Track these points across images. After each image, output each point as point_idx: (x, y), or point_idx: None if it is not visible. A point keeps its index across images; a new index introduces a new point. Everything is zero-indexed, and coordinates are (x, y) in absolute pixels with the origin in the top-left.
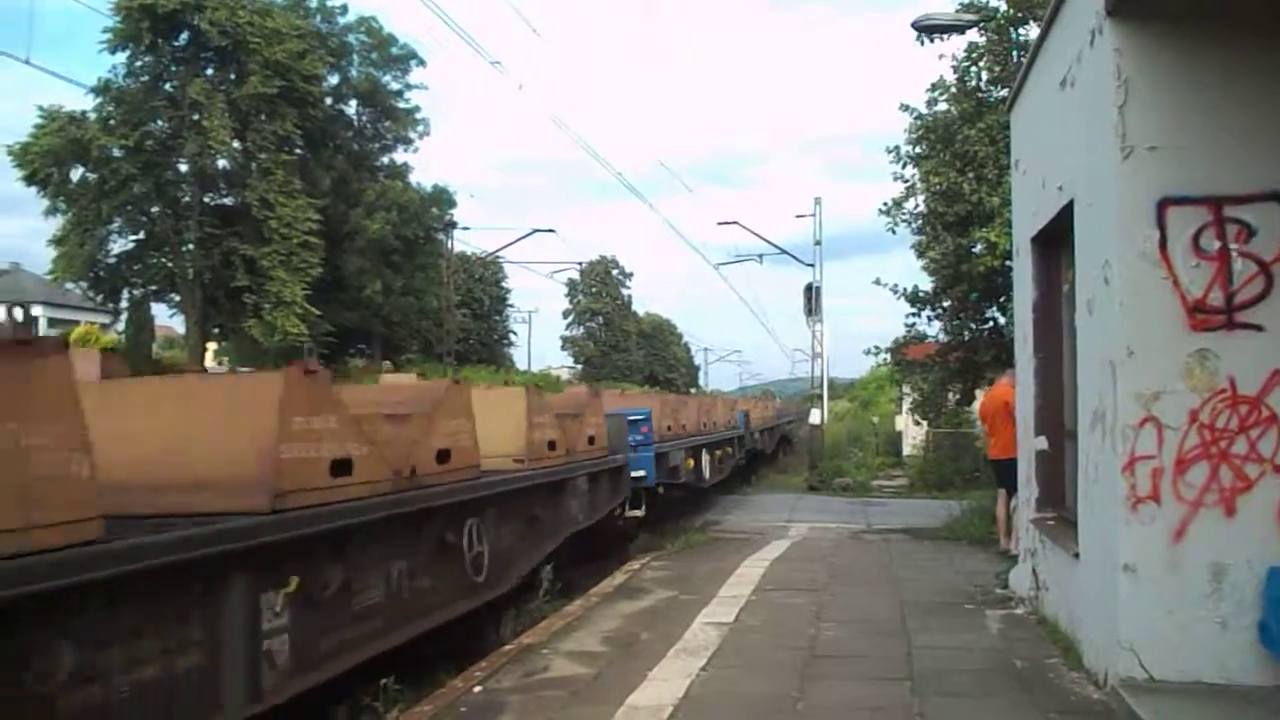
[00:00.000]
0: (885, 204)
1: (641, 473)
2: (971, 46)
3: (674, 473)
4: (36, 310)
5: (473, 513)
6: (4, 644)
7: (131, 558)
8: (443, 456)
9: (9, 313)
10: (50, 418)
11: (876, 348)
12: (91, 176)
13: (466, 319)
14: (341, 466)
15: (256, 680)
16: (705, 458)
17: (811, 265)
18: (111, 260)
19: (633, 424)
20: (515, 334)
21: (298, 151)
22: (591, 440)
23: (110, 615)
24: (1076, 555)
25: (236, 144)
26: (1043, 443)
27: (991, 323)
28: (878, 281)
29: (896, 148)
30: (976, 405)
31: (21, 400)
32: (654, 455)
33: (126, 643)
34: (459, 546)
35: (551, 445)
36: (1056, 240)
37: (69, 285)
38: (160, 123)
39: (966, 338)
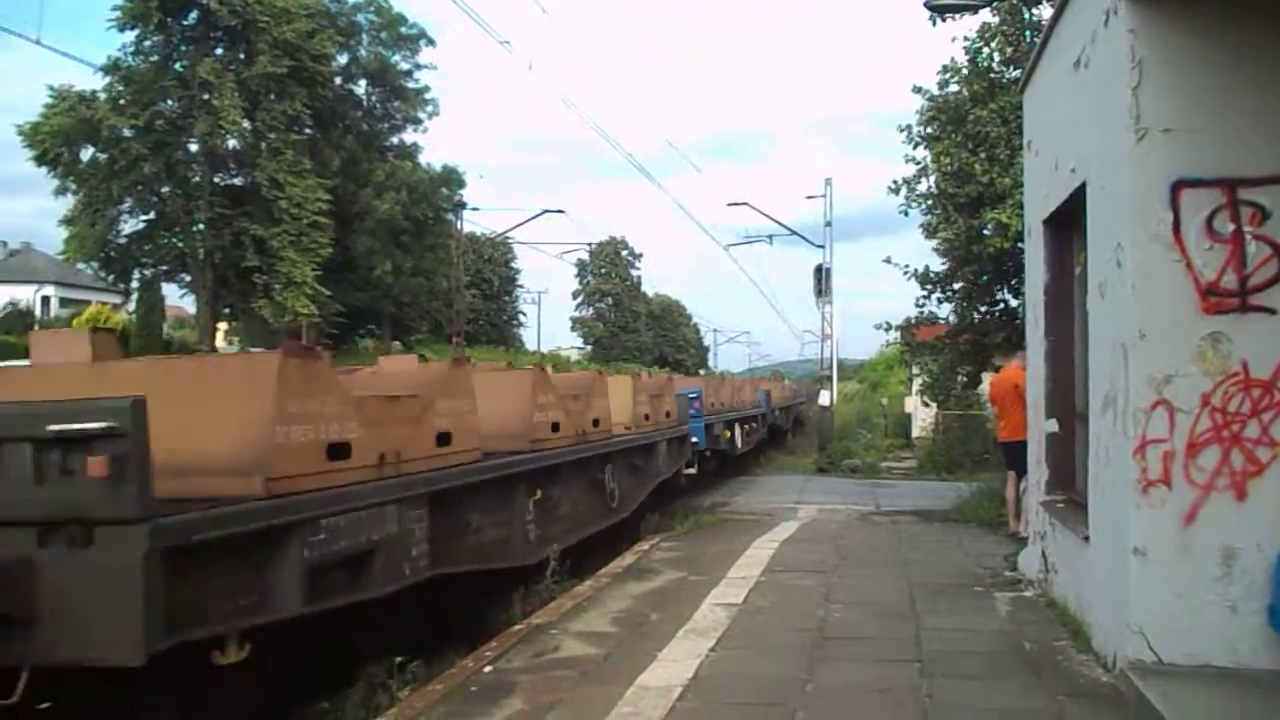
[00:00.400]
0: (895, 182)
1: (695, 440)
2: (984, 27)
3: (716, 440)
4: (48, 290)
5: (609, 461)
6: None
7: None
8: (596, 423)
9: None
10: None
11: (888, 324)
12: (102, 156)
13: (476, 299)
14: (555, 427)
15: (526, 542)
16: (738, 430)
17: (821, 246)
18: (122, 240)
19: (689, 400)
20: (525, 314)
21: (307, 131)
22: (668, 414)
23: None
24: (1086, 538)
25: (246, 124)
26: (1053, 425)
27: (1002, 305)
28: (888, 260)
29: (908, 127)
30: (984, 388)
31: None
32: (704, 425)
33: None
34: (603, 482)
35: (647, 417)
36: (1069, 222)
37: (80, 265)
38: (170, 102)
39: (976, 320)
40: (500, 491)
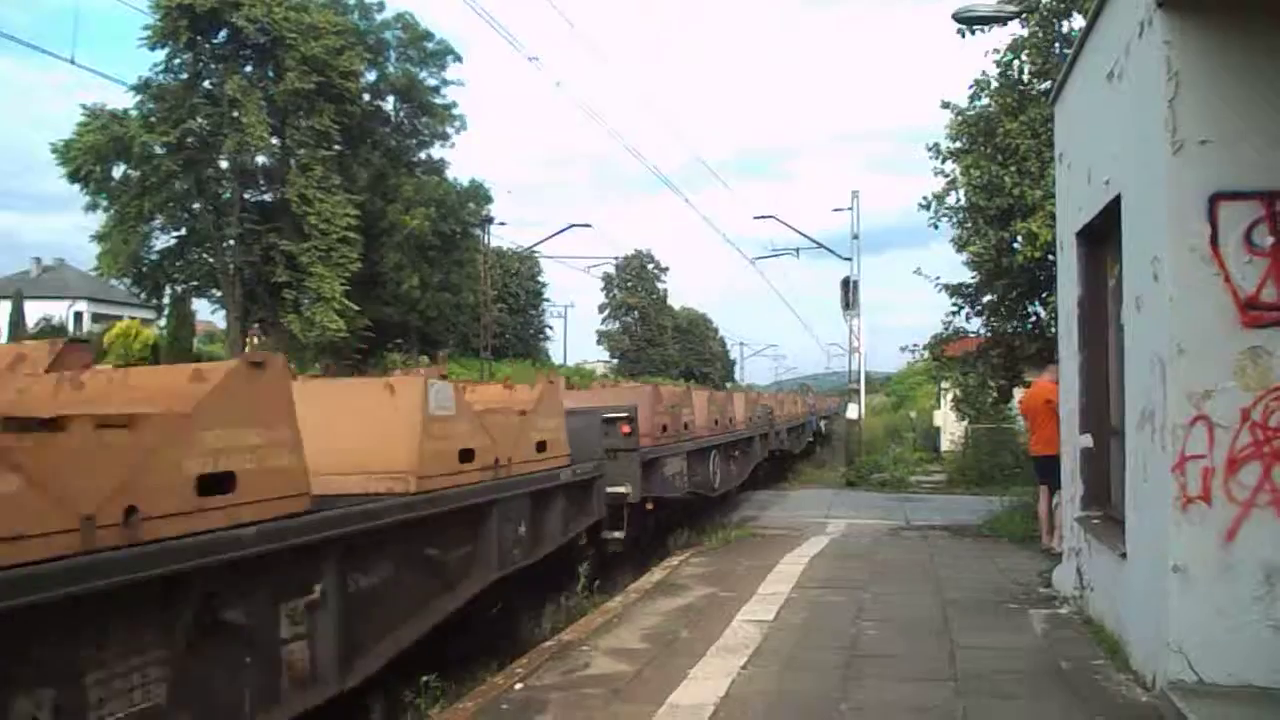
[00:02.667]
0: (925, 198)
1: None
2: (1015, 39)
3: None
4: (81, 305)
5: (713, 449)
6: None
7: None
8: (689, 424)
9: None
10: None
11: (915, 345)
12: (133, 173)
13: (503, 313)
14: (685, 427)
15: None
16: (716, 463)
17: (849, 259)
18: (154, 256)
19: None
20: (551, 328)
21: (336, 147)
22: (732, 421)
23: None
24: (1124, 555)
25: (275, 140)
26: (1088, 440)
27: (1034, 318)
28: (918, 272)
29: (936, 145)
30: (1015, 403)
31: None
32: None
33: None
34: (708, 464)
35: (731, 420)
36: (1102, 235)
37: (113, 281)
38: (200, 120)
39: (1008, 333)
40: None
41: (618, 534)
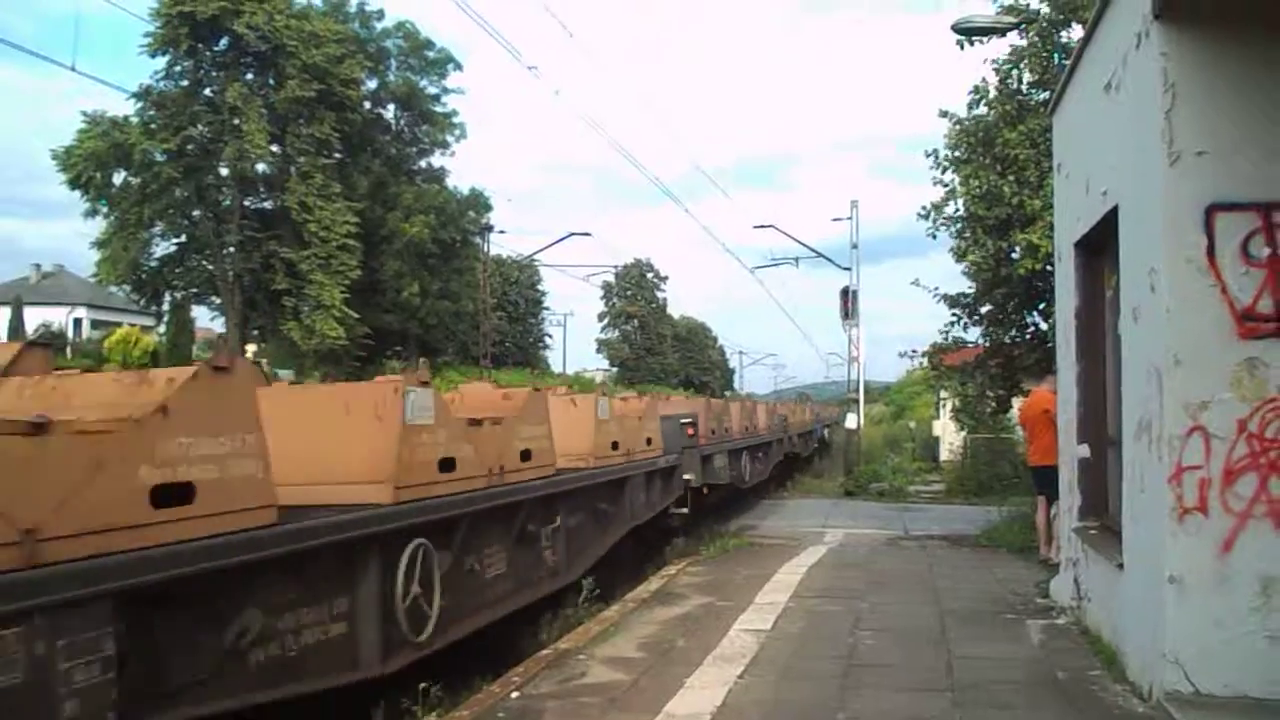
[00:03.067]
0: (924, 208)
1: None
2: (1014, 50)
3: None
4: (80, 312)
5: (744, 449)
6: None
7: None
8: (729, 428)
9: None
10: None
11: (913, 351)
12: (134, 180)
13: (502, 322)
14: (726, 430)
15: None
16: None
17: (848, 269)
18: (154, 263)
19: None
20: (551, 337)
21: (336, 155)
22: (757, 426)
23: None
24: (1120, 565)
25: (275, 148)
26: (1085, 450)
27: (1033, 328)
28: (916, 283)
29: (935, 152)
30: (1014, 413)
31: None
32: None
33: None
34: (741, 461)
35: (756, 426)
36: (1100, 245)
37: (112, 288)
38: (200, 127)
39: (1007, 343)
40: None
41: (684, 510)
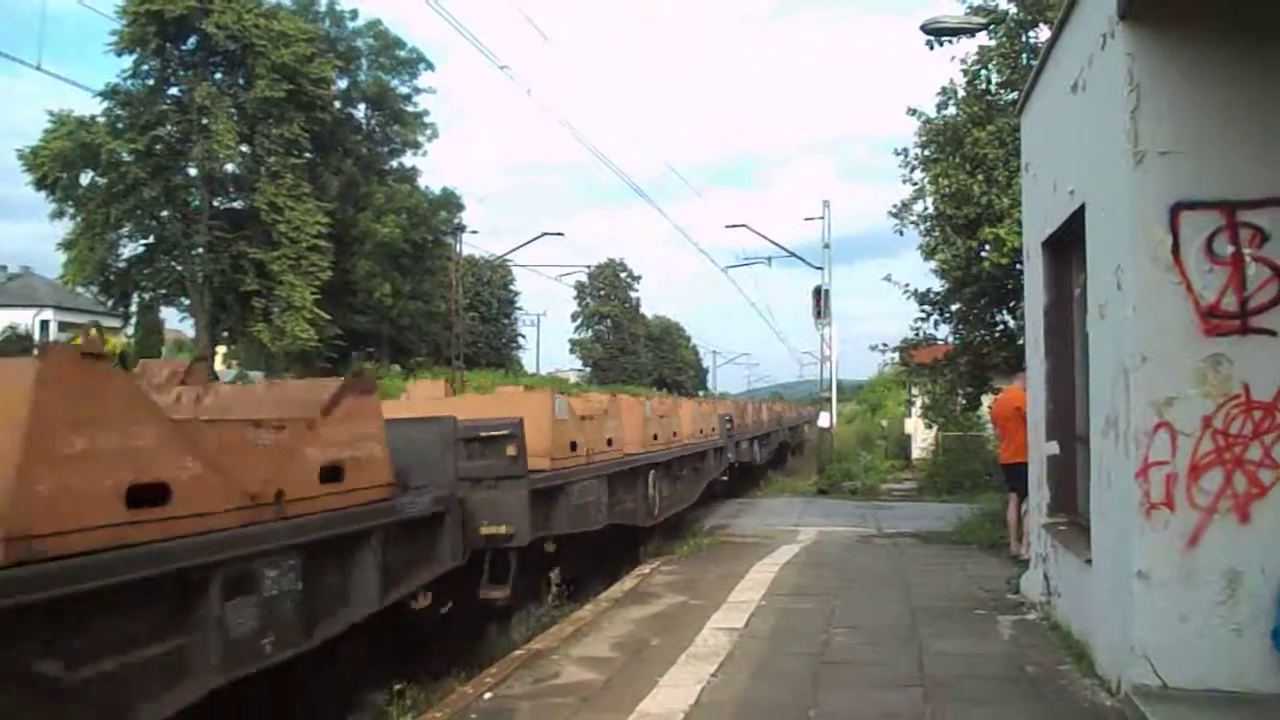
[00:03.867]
0: (894, 206)
1: None
2: (982, 50)
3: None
4: (47, 314)
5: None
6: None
7: None
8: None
9: None
10: None
11: (884, 345)
12: (101, 180)
13: (475, 322)
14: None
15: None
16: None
17: (820, 268)
18: (121, 264)
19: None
20: (524, 337)
21: (306, 155)
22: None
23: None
24: (1089, 561)
25: (244, 148)
26: (1054, 448)
27: (1002, 326)
28: (888, 279)
29: (905, 150)
30: (985, 410)
31: None
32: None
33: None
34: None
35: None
36: (1068, 244)
37: (79, 289)
38: (168, 127)
39: (976, 341)
40: None
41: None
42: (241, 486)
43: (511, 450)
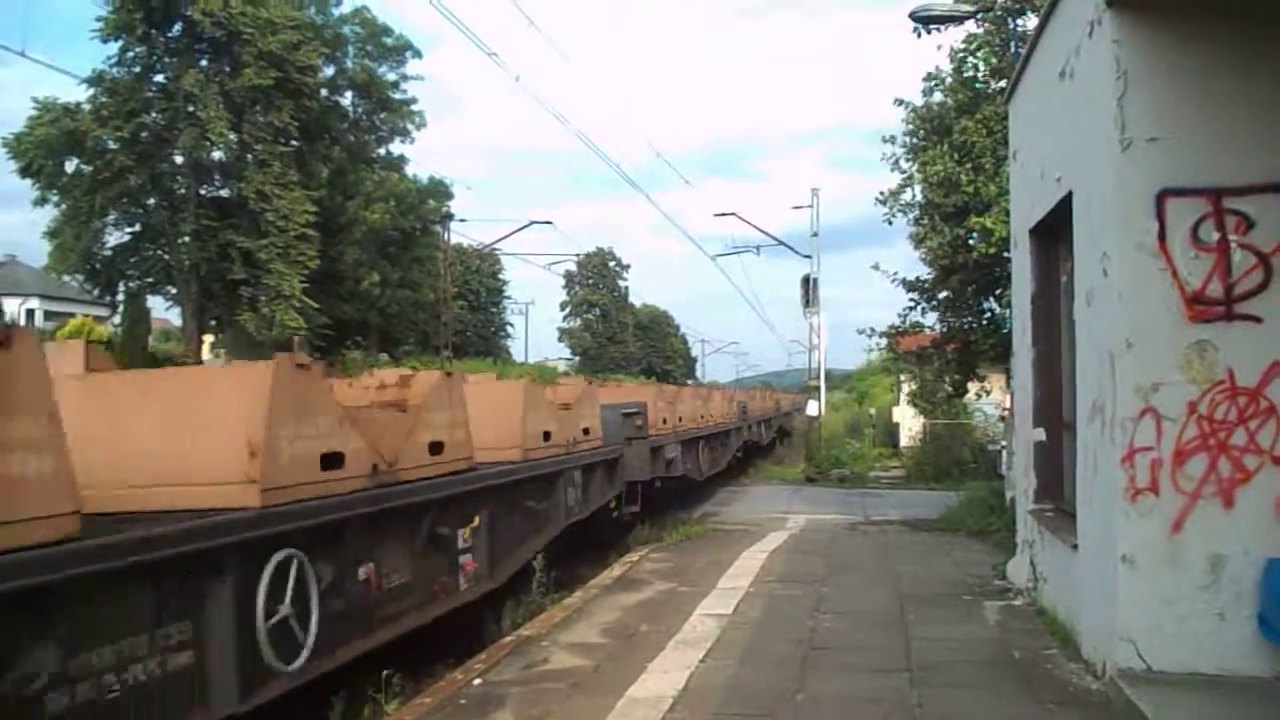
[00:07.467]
0: (882, 194)
1: None
2: (970, 37)
3: None
4: (33, 303)
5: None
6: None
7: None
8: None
9: None
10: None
11: (871, 329)
12: (86, 168)
13: (463, 311)
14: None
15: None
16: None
17: (809, 257)
18: (107, 253)
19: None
20: (512, 326)
21: (294, 143)
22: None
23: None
24: (1075, 546)
25: (232, 136)
26: (1041, 434)
27: (989, 314)
28: (876, 267)
29: (893, 137)
30: (970, 397)
31: None
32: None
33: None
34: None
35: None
36: (1055, 231)
37: (65, 278)
38: (154, 114)
39: (963, 328)
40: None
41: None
42: (379, 455)
43: (639, 422)
